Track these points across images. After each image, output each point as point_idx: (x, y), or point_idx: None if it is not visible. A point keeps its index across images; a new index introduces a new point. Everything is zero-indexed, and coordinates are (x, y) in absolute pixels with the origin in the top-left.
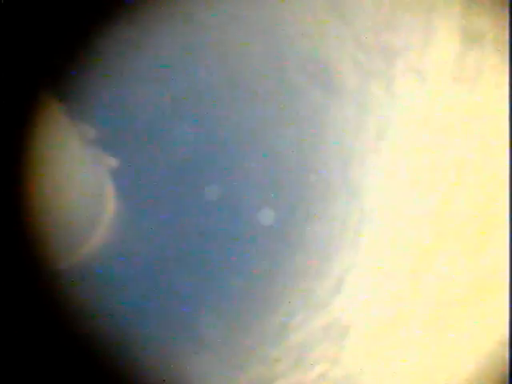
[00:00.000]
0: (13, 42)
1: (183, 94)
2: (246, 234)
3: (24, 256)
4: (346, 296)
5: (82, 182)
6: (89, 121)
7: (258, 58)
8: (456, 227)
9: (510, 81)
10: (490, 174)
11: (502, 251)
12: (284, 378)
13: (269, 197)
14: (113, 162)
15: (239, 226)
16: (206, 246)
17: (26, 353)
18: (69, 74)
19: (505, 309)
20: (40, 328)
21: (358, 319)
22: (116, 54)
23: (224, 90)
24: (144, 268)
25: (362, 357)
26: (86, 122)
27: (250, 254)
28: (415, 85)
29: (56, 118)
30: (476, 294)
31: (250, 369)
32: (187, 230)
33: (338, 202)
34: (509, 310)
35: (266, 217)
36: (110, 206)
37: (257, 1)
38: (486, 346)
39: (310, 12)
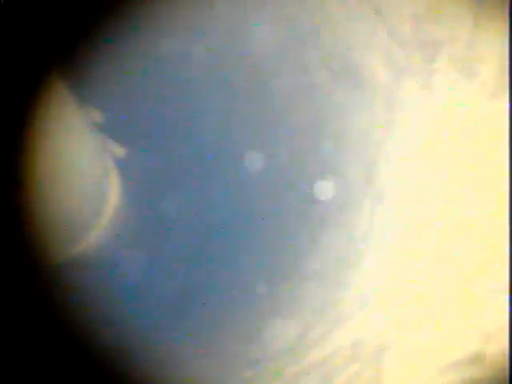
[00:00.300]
0: (18, 32)
1: (195, 87)
2: (258, 236)
3: (24, 248)
4: (373, 310)
5: (85, 171)
6: (96, 108)
7: (278, 50)
8: (500, 236)
9: (510, 81)
10: None
11: None
12: None
13: (283, 199)
14: (119, 150)
15: (250, 227)
16: (211, 247)
17: (25, 353)
18: (75, 61)
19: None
20: (39, 326)
21: (392, 338)
22: (124, 44)
23: (239, 84)
24: (146, 265)
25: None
26: (93, 109)
27: (261, 254)
28: (457, 80)
29: (61, 104)
30: None
31: None
32: (190, 226)
33: (361, 206)
34: (509, 311)
35: (280, 221)
36: (114, 196)
37: None
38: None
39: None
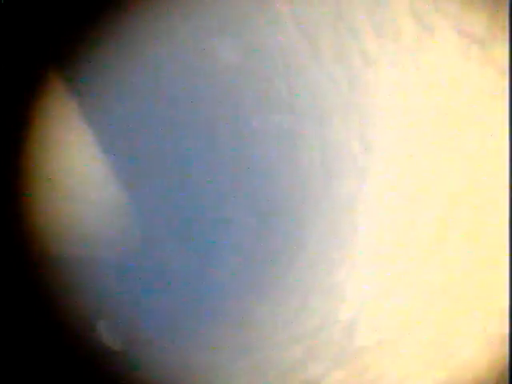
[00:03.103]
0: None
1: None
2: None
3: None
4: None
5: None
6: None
7: None
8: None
9: (510, 83)
10: None
11: None
12: None
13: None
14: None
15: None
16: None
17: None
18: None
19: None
20: (38, 328)
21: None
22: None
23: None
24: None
25: None
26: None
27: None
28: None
29: (61, 103)
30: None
31: None
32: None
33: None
34: (509, 310)
35: None
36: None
37: None
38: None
39: None
